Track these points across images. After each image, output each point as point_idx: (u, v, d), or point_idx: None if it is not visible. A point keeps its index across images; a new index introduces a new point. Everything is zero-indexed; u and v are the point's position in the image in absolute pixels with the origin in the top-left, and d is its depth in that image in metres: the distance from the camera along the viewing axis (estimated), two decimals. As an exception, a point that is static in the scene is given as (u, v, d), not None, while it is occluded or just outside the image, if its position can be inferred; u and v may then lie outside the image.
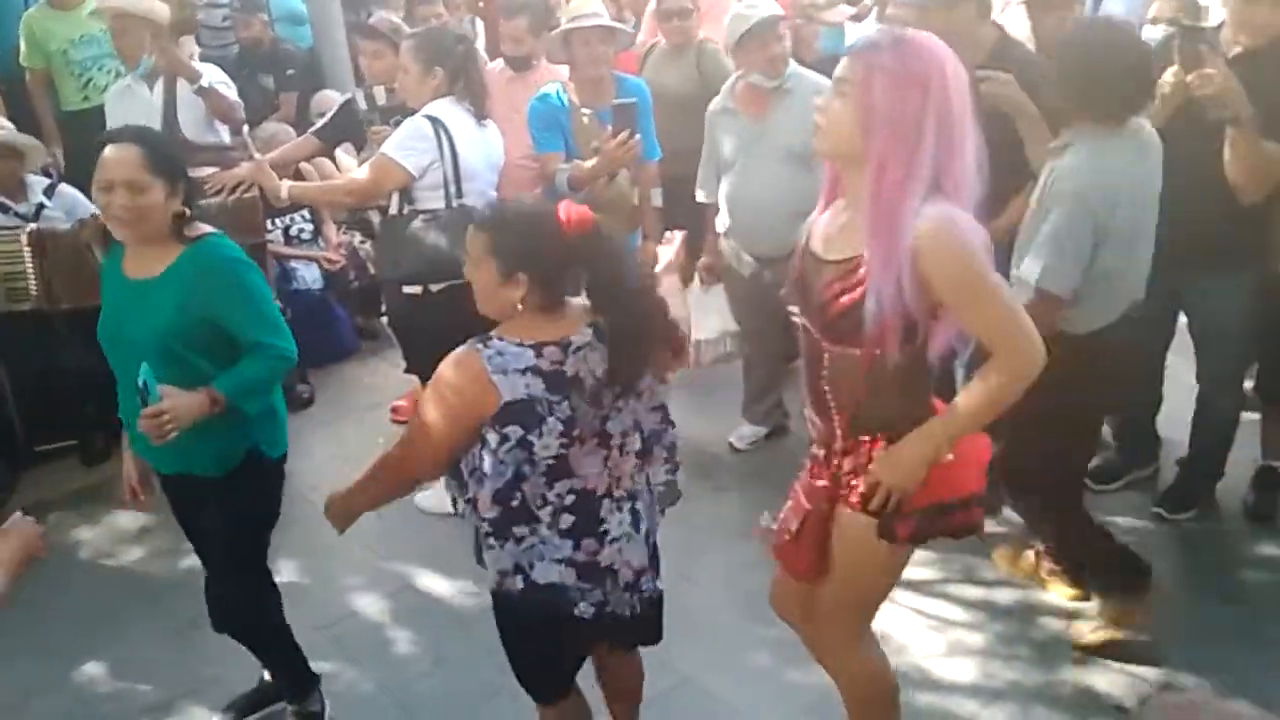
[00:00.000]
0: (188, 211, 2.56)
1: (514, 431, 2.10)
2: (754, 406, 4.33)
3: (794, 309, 2.27)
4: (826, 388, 2.18)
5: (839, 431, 2.21)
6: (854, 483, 2.20)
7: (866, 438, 2.17)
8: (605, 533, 2.22)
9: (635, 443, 2.23)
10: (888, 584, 2.37)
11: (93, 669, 3.34)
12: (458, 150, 3.55)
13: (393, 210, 3.71)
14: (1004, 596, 3.40)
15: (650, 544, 2.36)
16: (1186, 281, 3.48)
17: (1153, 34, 3.78)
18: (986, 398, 2.07)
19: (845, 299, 2.05)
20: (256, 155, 3.86)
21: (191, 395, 2.43)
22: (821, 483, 2.26)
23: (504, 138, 3.93)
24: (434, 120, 3.55)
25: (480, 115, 3.70)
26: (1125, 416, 3.92)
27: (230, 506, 2.74)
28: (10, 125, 4.27)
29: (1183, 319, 3.70)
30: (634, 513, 2.27)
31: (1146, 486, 3.89)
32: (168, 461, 2.70)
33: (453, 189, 3.56)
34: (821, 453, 2.28)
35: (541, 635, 2.32)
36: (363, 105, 4.00)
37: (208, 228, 2.62)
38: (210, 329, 2.51)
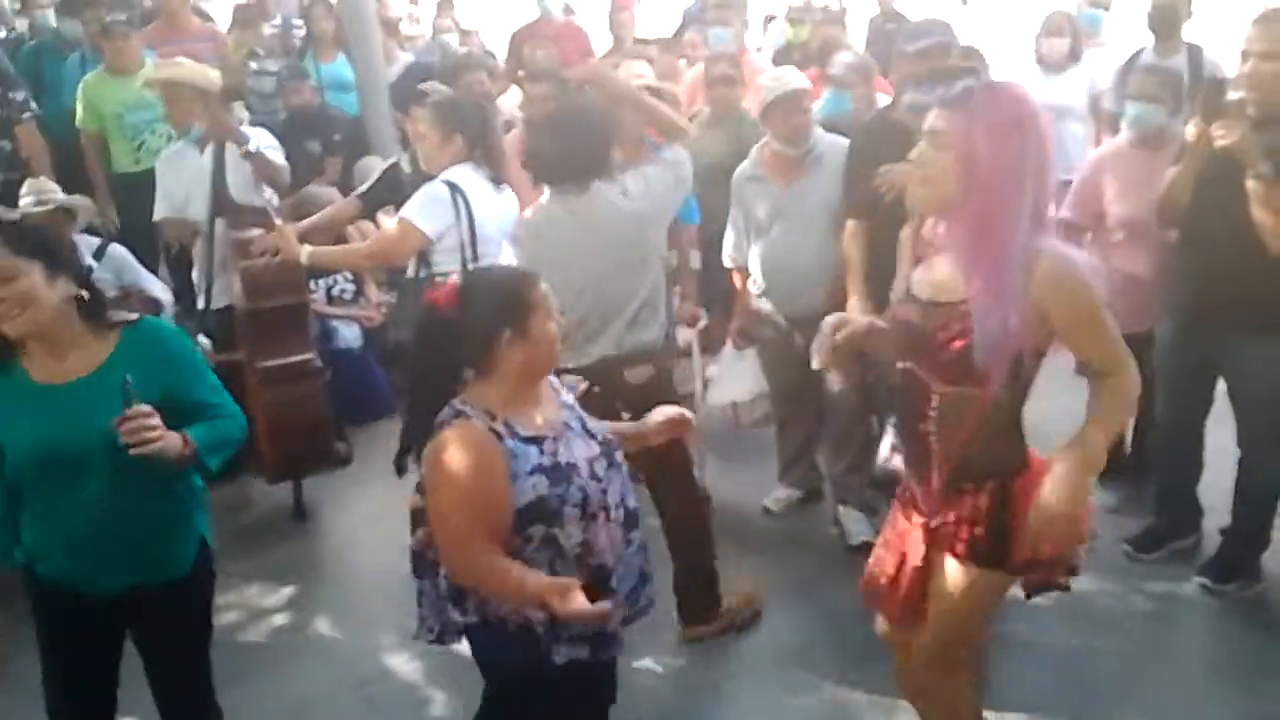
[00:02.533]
0: (85, 295, 2.29)
1: (537, 531, 2.11)
2: (789, 470, 4.32)
3: (899, 360, 2.34)
4: (932, 431, 2.25)
5: (938, 479, 2.28)
6: (957, 531, 2.27)
7: (970, 485, 2.25)
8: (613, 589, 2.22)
9: (622, 514, 2.25)
10: (985, 624, 2.52)
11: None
12: (474, 215, 3.61)
13: (410, 273, 3.78)
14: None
15: (634, 606, 2.34)
16: (1222, 344, 3.46)
17: (1133, 110, 3.82)
18: (1120, 415, 2.27)
19: (962, 340, 2.15)
20: (278, 222, 3.94)
21: (170, 434, 2.21)
22: (918, 531, 2.34)
23: (522, 203, 3.99)
24: (452, 185, 3.61)
25: (498, 181, 3.77)
26: (1167, 484, 3.88)
27: (191, 613, 2.53)
28: (57, 188, 4.39)
29: (1221, 384, 3.67)
30: (620, 579, 2.27)
31: (1189, 556, 3.82)
32: (114, 577, 2.37)
33: (469, 252, 3.61)
34: (917, 496, 2.36)
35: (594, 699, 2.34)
36: (406, 169, 4.08)
37: (128, 314, 2.41)
38: (166, 414, 2.23)
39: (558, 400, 2.29)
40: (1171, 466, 3.84)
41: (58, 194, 4.29)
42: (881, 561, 2.45)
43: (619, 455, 2.28)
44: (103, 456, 2.21)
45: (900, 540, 2.40)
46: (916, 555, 2.35)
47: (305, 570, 4.15)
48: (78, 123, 5.43)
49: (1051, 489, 2.12)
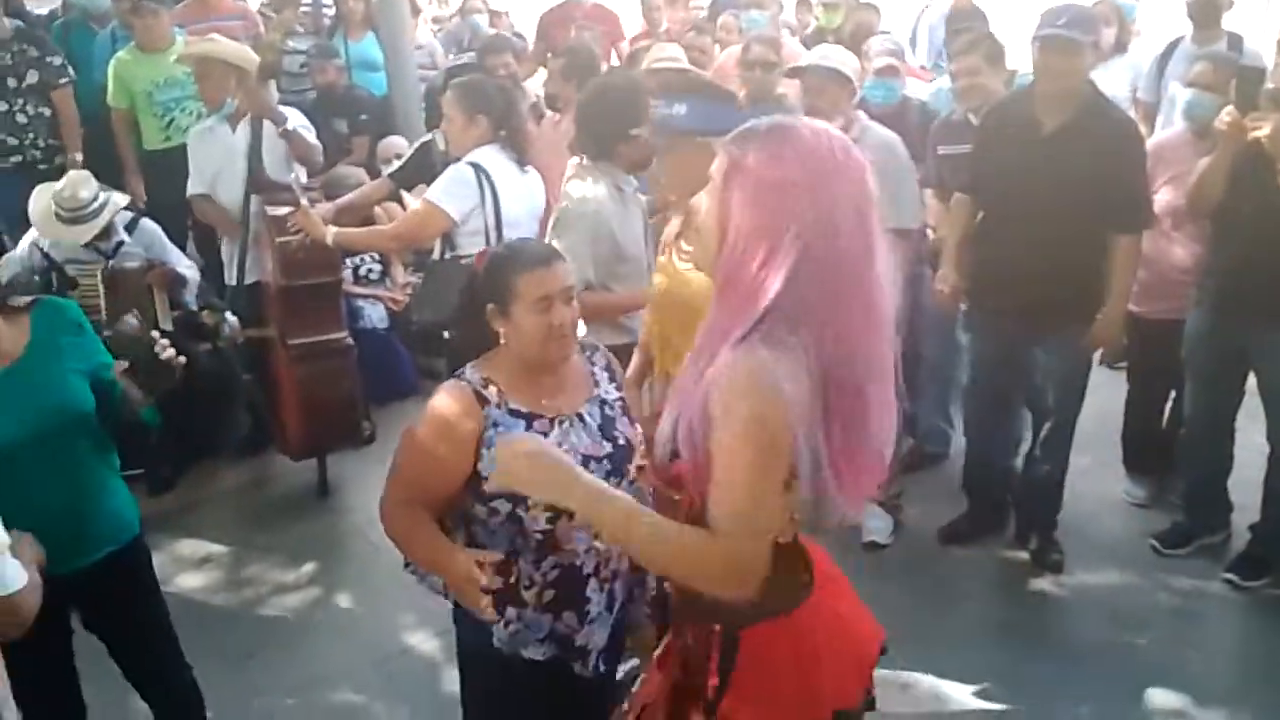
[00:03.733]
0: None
1: (502, 505, 2.05)
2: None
3: None
4: None
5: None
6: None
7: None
8: (586, 612, 2.14)
9: None
10: None
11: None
12: (499, 197, 3.61)
13: (435, 255, 3.78)
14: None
15: (617, 624, 2.24)
16: (1254, 335, 3.42)
17: (1190, 99, 3.76)
18: (683, 561, 1.63)
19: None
20: (304, 202, 3.95)
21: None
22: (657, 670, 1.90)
23: (547, 185, 3.99)
24: (477, 167, 3.61)
25: (523, 162, 3.76)
26: (1195, 480, 3.84)
27: (146, 569, 2.58)
28: (93, 183, 4.35)
29: (1252, 380, 3.62)
30: (610, 594, 2.18)
31: (1217, 553, 3.79)
32: (88, 549, 2.39)
33: (493, 235, 3.60)
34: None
35: (545, 704, 2.20)
36: (441, 147, 4.08)
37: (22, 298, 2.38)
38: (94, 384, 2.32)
39: (590, 390, 2.20)
40: (1201, 461, 3.80)
41: (101, 198, 4.15)
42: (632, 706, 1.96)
43: (636, 468, 2.14)
44: (51, 436, 2.22)
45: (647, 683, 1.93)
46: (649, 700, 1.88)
47: (327, 547, 4.16)
48: (108, 100, 5.45)
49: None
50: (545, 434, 2.06)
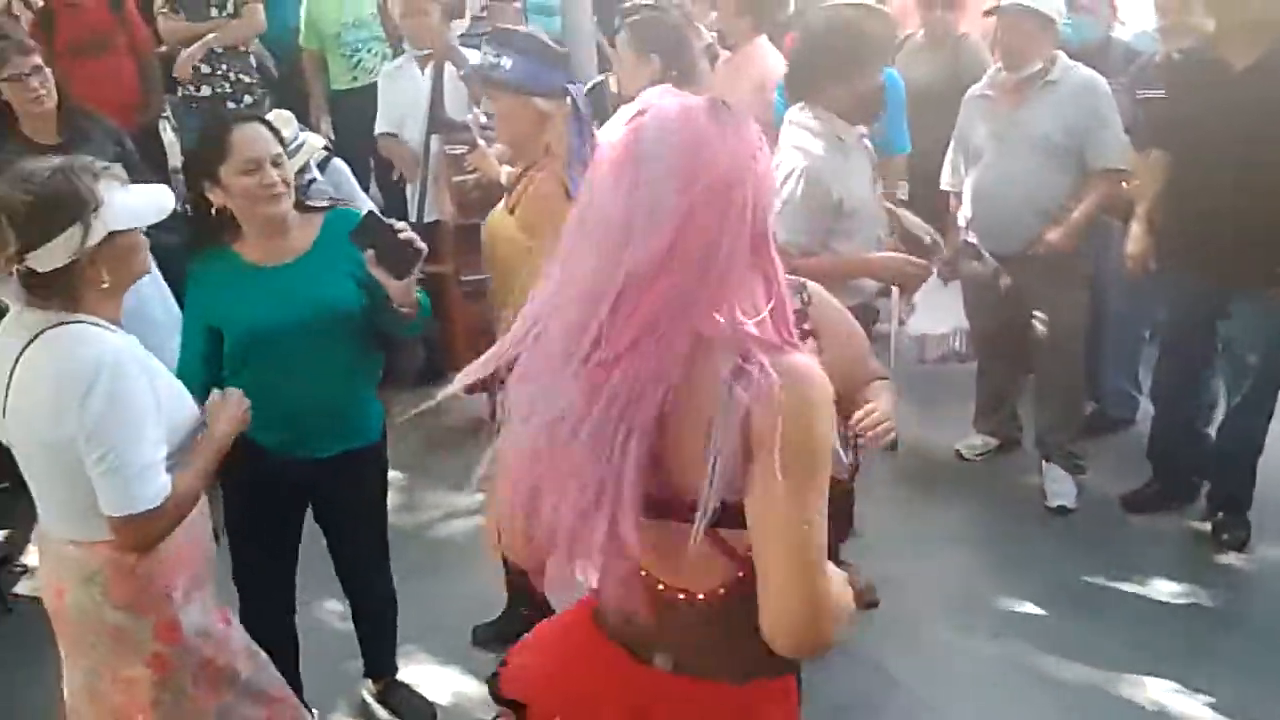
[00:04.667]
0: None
1: None
2: (986, 416, 4.17)
3: None
4: None
5: None
6: None
7: None
8: None
9: None
10: None
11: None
12: None
13: None
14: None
15: None
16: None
17: None
18: None
19: None
20: (480, 143, 4.00)
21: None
22: None
23: None
24: None
25: None
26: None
27: (379, 477, 2.79)
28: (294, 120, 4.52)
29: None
30: None
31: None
32: (325, 442, 2.57)
33: None
34: None
35: None
36: (614, 89, 4.08)
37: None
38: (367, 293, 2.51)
39: None
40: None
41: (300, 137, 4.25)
42: None
43: None
44: (319, 329, 2.41)
45: None
46: None
47: (495, 475, 4.27)
48: (300, 41, 5.65)
49: None
50: None
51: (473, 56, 4.50)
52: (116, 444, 1.92)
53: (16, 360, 1.95)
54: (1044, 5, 3.59)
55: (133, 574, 2.03)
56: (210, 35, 5.21)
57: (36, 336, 1.95)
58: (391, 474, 4.20)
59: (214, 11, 5.32)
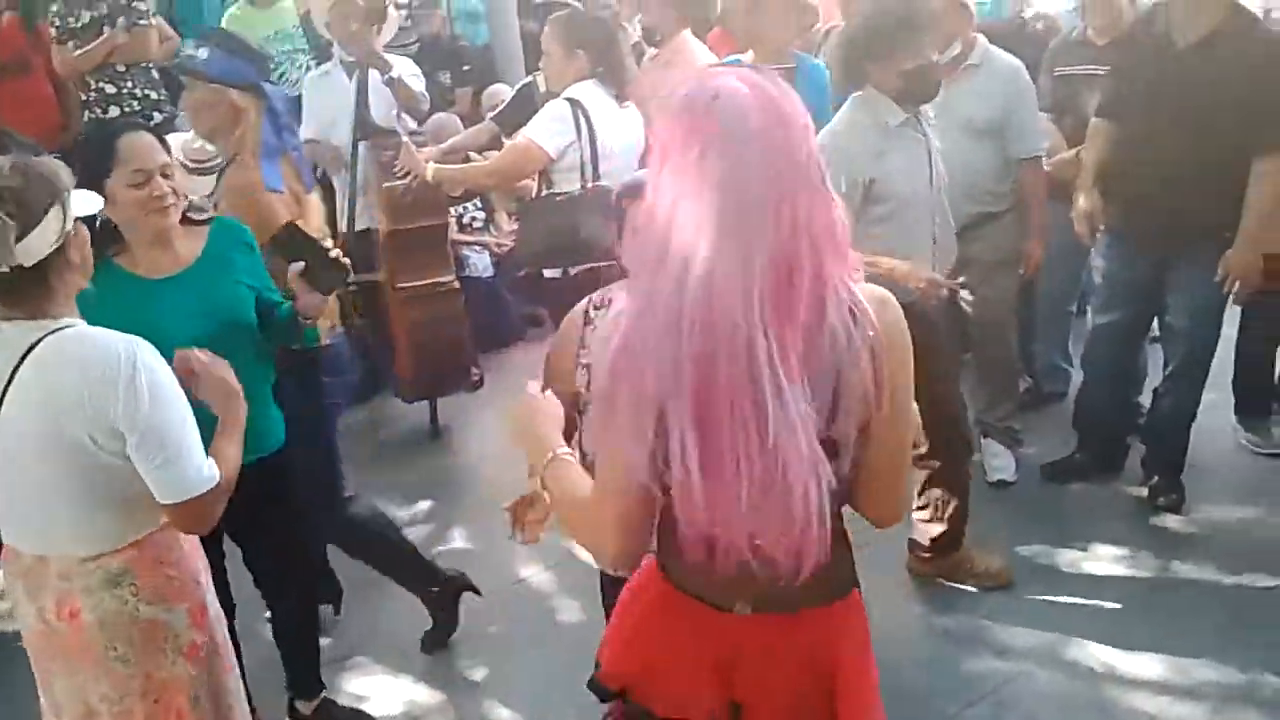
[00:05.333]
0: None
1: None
2: (924, 395, 4.21)
3: None
4: None
5: None
6: None
7: None
8: None
9: None
10: None
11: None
12: (596, 132, 3.55)
13: (532, 193, 3.78)
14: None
15: None
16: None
17: None
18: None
19: None
20: (405, 138, 3.99)
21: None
22: None
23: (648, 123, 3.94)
24: (573, 102, 3.56)
25: (621, 98, 3.70)
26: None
27: (292, 481, 2.71)
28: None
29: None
30: None
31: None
32: (246, 450, 2.32)
33: (589, 170, 3.55)
34: None
35: None
36: (541, 89, 4.07)
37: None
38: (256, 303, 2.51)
39: None
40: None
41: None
42: None
43: None
44: (217, 340, 2.26)
45: None
46: None
47: (440, 485, 4.25)
48: (222, 55, 5.57)
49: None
50: None
51: (398, 63, 4.50)
52: (169, 434, 1.88)
53: (9, 380, 1.86)
54: None
55: (160, 565, 2.01)
56: (99, 46, 5.04)
57: (31, 350, 1.86)
58: (335, 487, 4.24)
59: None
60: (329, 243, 2.44)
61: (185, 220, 2.45)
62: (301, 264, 2.42)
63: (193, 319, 2.33)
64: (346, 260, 2.42)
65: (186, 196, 2.45)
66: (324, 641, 3.33)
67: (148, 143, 2.32)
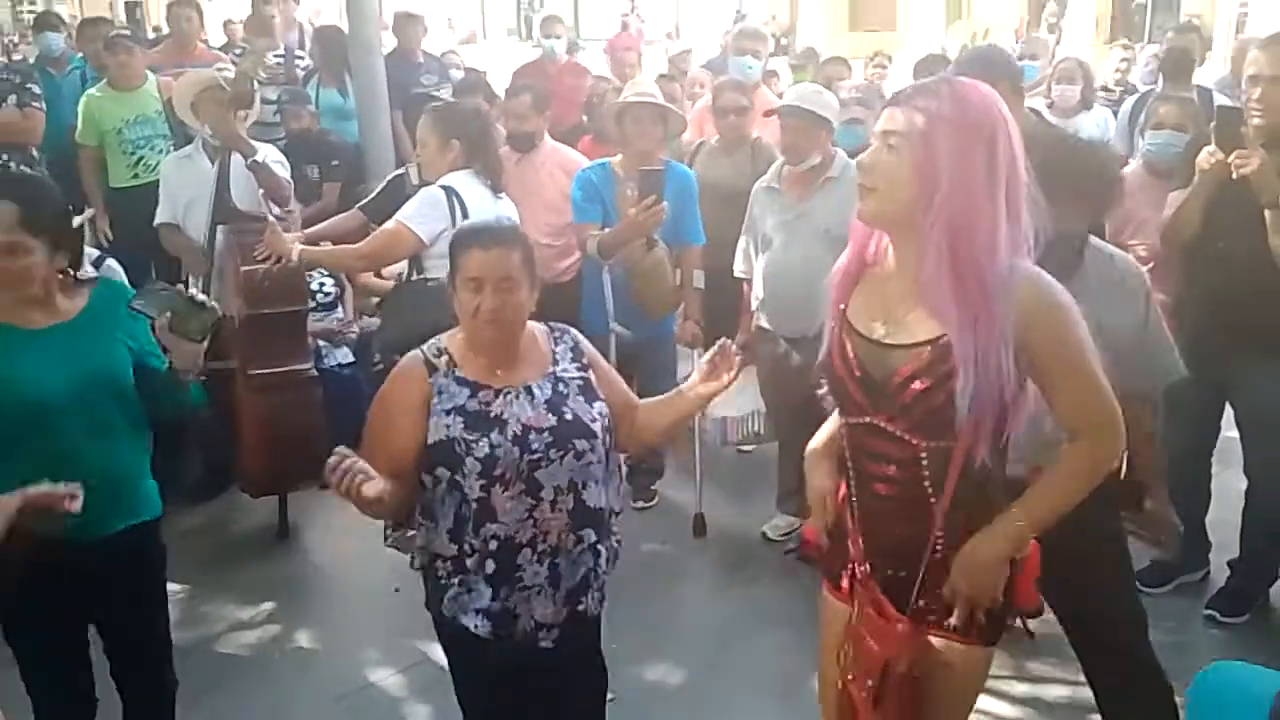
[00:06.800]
0: (71, 272, 2.38)
1: (442, 474, 2.15)
2: (790, 496, 4.23)
3: (848, 409, 1.97)
4: (930, 493, 1.88)
5: (929, 551, 1.90)
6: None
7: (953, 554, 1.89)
8: (519, 580, 2.19)
9: (570, 503, 2.18)
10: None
11: None
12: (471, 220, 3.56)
13: (403, 278, 3.75)
14: (1053, 692, 3.24)
15: (570, 606, 2.24)
16: (1231, 368, 3.42)
17: (1154, 140, 3.83)
18: (1073, 485, 1.89)
19: (923, 383, 1.82)
20: (271, 218, 3.91)
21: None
22: (899, 624, 1.92)
23: (521, 221, 3.95)
24: (449, 190, 3.57)
25: (496, 189, 3.73)
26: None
27: (161, 554, 2.59)
28: None
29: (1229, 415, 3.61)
30: (553, 570, 2.20)
31: (1197, 590, 3.74)
32: (104, 520, 2.33)
33: None
34: (902, 574, 1.94)
35: (483, 678, 2.30)
36: (415, 180, 4.04)
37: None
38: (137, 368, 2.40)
39: (547, 367, 2.26)
40: (1179, 498, 3.77)
41: None
42: (852, 672, 1.99)
43: (587, 444, 2.18)
44: (94, 396, 2.29)
45: (879, 639, 1.93)
46: (904, 654, 1.91)
47: (287, 586, 4.01)
48: (76, 138, 5.39)
49: (961, 566, 1.88)
50: (489, 403, 2.16)
51: (262, 149, 4.41)
52: None
53: None
54: (819, 108, 3.84)
55: None
56: None
57: None
58: (173, 588, 3.90)
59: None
60: (195, 290, 2.34)
61: (69, 282, 2.39)
62: (168, 315, 2.34)
63: (60, 371, 2.26)
64: (215, 303, 2.35)
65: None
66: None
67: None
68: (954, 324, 1.77)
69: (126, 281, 4.25)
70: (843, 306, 1.99)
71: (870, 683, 1.93)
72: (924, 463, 1.87)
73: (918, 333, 1.85)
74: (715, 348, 2.30)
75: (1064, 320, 1.81)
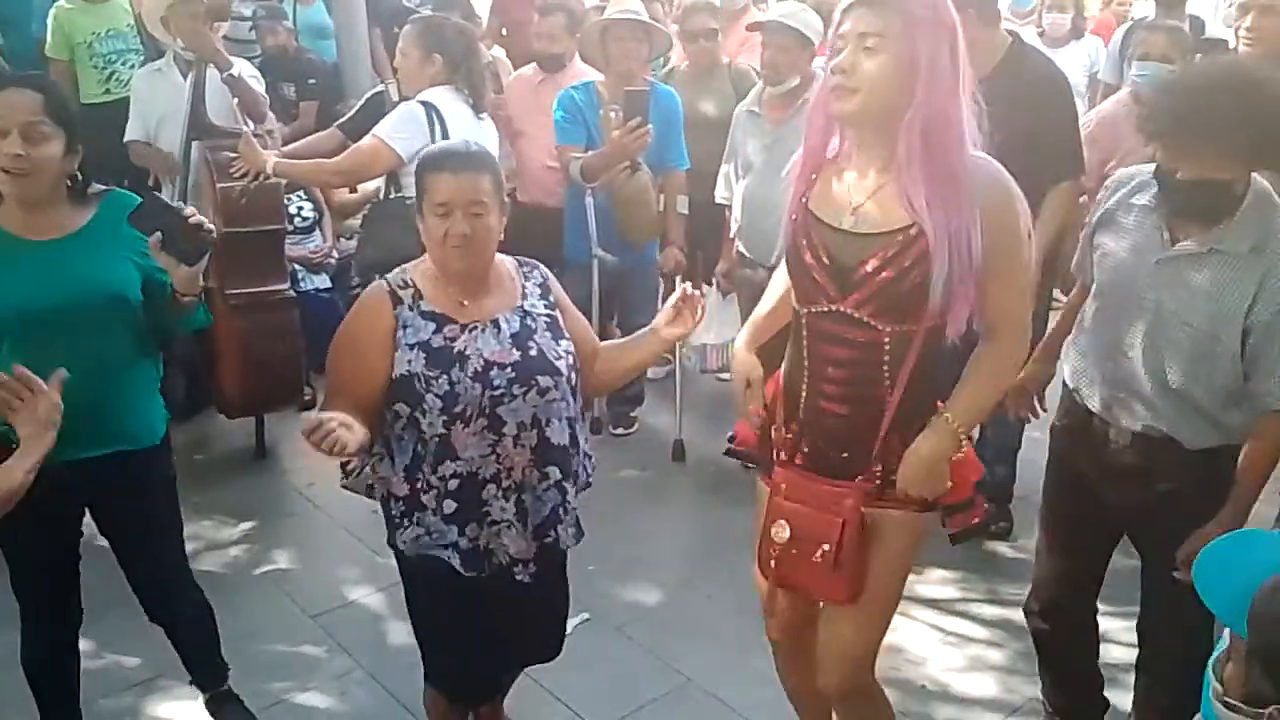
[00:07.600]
0: (80, 177, 2.32)
1: (402, 409, 2.12)
2: (767, 422, 4.24)
3: (814, 298, 2.01)
4: (886, 376, 1.97)
5: (884, 427, 2.00)
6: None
7: (905, 432, 2.01)
8: (487, 515, 2.17)
9: (534, 439, 2.16)
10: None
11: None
12: (450, 138, 3.45)
13: (380, 196, 3.70)
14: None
15: (539, 540, 2.23)
16: None
17: (1142, 70, 3.78)
18: (992, 384, 2.04)
19: (911, 273, 1.88)
20: (246, 130, 3.82)
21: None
22: (851, 493, 2.02)
23: (532, 141, 3.89)
24: (428, 105, 3.49)
25: (479, 109, 3.64)
26: None
27: (164, 482, 2.55)
28: None
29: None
30: (520, 505, 2.19)
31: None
32: (97, 443, 2.32)
33: None
34: (844, 455, 2.06)
35: (445, 602, 2.28)
36: (394, 98, 3.96)
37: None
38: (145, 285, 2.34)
39: (518, 298, 2.22)
40: None
41: None
42: (800, 540, 2.06)
43: (550, 381, 2.15)
44: (89, 314, 2.23)
45: (833, 507, 2.02)
46: (857, 517, 2.02)
47: (264, 506, 4.02)
48: (47, 51, 5.24)
49: (909, 466, 1.99)
50: (453, 339, 2.12)
51: (238, 64, 4.30)
52: None
53: None
54: (803, 26, 3.75)
55: None
56: None
57: None
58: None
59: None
60: (190, 209, 2.27)
61: (77, 193, 2.32)
62: (159, 234, 2.24)
63: (70, 286, 2.22)
64: (210, 226, 2.26)
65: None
66: (131, 663, 3.10)
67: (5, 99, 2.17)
68: (927, 211, 1.85)
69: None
70: (804, 199, 2.04)
71: (826, 547, 2.02)
72: (886, 347, 1.96)
73: (887, 222, 1.91)
74: (676, 294, 2.30)
75: (1015, 210, 1.91)
